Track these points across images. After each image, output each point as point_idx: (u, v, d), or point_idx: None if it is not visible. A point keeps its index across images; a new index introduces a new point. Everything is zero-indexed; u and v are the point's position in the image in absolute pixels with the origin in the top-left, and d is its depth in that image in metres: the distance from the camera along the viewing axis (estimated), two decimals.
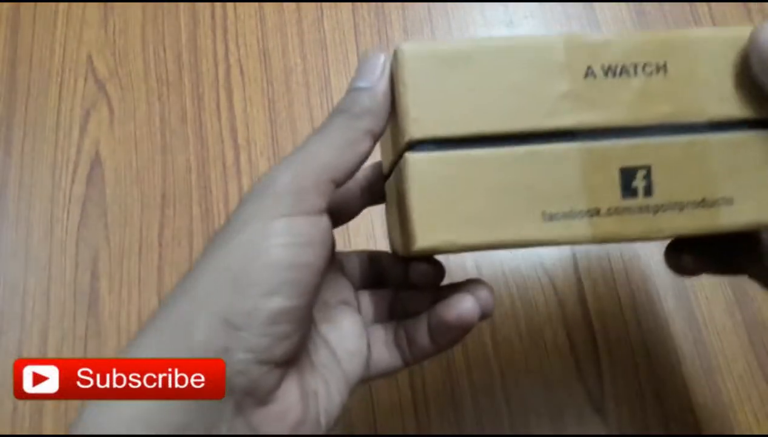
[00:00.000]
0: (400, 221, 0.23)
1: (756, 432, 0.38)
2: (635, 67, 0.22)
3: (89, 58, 0.50)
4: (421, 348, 0.26)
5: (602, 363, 0.40)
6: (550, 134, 0.22)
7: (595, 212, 0.22)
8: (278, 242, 0.20)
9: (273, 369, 0.20)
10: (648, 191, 0.22)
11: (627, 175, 0.22)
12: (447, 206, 0.21)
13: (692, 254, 0.29)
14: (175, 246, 0.44)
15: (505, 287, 0.42)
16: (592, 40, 0.22)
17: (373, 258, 0.29)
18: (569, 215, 0.22)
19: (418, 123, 0.21)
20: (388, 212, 0.28)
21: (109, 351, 0.41)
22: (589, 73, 0.22)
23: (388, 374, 0.27)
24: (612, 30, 0.49)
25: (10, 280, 0.43)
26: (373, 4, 0.50)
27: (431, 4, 0.50)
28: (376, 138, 0.23)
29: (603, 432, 0.38)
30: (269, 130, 0.47)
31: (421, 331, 0.26)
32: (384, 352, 0.27)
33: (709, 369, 0.40)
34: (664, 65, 0.22)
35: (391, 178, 0.25)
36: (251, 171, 0.46)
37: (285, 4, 0.51)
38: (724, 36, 0.23)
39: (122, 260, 0.43)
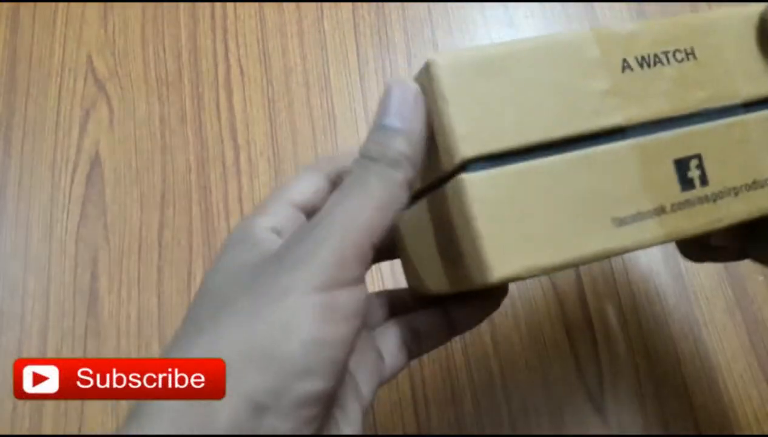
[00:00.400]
0: (448, 256, 0.22)
1: (756, 432, 0.38)
2: (666, 55, 0.22)
3: (89, 58, 0.50)
4: (434, 340, 0.26)
5: (602, 363, 0.40)
6: (600, 135, 0.21)
7: (661, 210, 0.21)
8: (316, 317, 0.18)
9: None
10: (704, 181, 0.21)
11: (681, 166, 0.21)
12: (516, 228, 0.20)
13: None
14: (174, 246, 0.44)
15: None
16: (620, 32, 0.21)
17: (393, 298, 0.29)
18: (638, 218, 0.20)
19: (467, 140, 0.20)
20: (408, 250, 0.26)
21: (108, 351, 0.41)
22: (625, 66, 0.21)
23: (395, 376, 0.26)
24: None
25: (9, 280, 0.43)
26: (373, 4, 0.50)
27: (431, 4, 0.50)
28: (412, 188, 0.21)
29: (603, 432, 0.38)
30: (269, 130, 0.47)
31: (435, 323, 0.26)
32: (396, 355, 0.26)
33: (709, 369, 0.40)
34: (692, 51, 0.22)
35: (417, 211, 0.24)
36: (251, 171, 0.45)
37: (285, 4, 0.51)
38: (744, 14, 0.22)
39: (122, 260, 0.43)
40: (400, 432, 0.39)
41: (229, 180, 0.45)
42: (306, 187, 0.24)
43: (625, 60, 0.21)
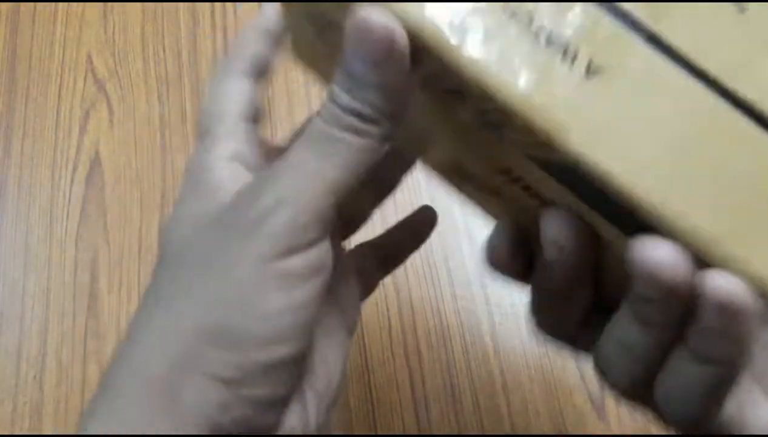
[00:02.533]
0: None
1: None
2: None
3: (89, 58, 0.50)
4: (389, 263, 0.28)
5: None
6: None
7: None
8: (271, 288, 0.17)
9: (276, 408, 0.19)
10: None
11: None
12: None
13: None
14: None
15: (505, 287, 0.42)
16: None
17: None
18: None
19: None
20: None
21: (109, 351, 0.41)
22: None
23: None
24: None
25: (9, 280, 0.43)
26: None
27: None
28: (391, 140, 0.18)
29: (603, 432, 0.38)
30: (268, 130, 0.47)
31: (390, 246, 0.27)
32: (372, 273, 0.27)
33: None
34: None
35: None
36: None
37: None
38: None
39: (122, 260, 0.43)
40: (400, 432, 0.39)
41: None
42: (238, 94, 0.21)
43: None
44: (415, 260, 0.42)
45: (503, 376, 0.40)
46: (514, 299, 0.42)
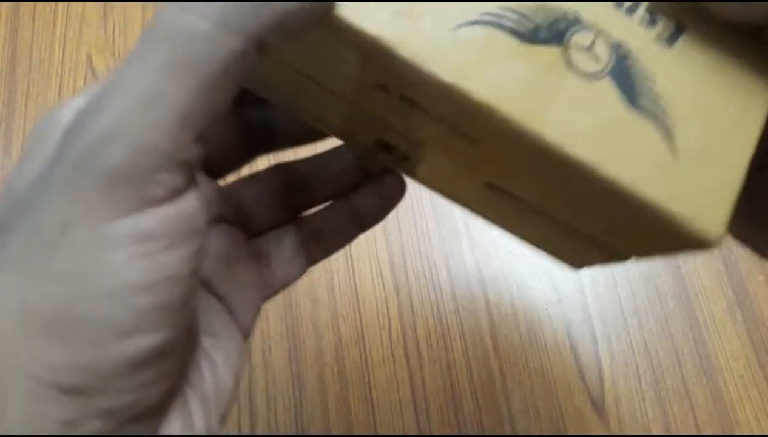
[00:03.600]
0: None
1: (756, 432, 0.38)
2: None
3: (89, 57, 0.50)
4: (340, 238, 0.22)
5: (602, 363, 0.40)
6: None
7: None
8: (124, 255, 0.12)
9: (146, 420, 0.14)
10: None
11: None
12: None
13: None
14: None
15: (505, 287, 0.42)
16: None
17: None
18: None
19: None
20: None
21: None
22: None
23: (288, 285, 0.22)
24: None
25: None
26: None
27: None
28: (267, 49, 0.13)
29: (603, 432, 0.38)
30: None
31: (339, 219, 0.22)
32: (290, 261, 0.22)
33: (709, 369, 0.40)
34: None
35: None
36: (250, 169, 0.45)
37: None
38: None
39: None
40: (400, 432, 0.39)
41: (229, 180, 0.45)
42: None
43: None
44: (415, 261, 0.42)
45: (503, 376, 0.40)
46: (514, 299, 0.42)
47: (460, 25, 0.14)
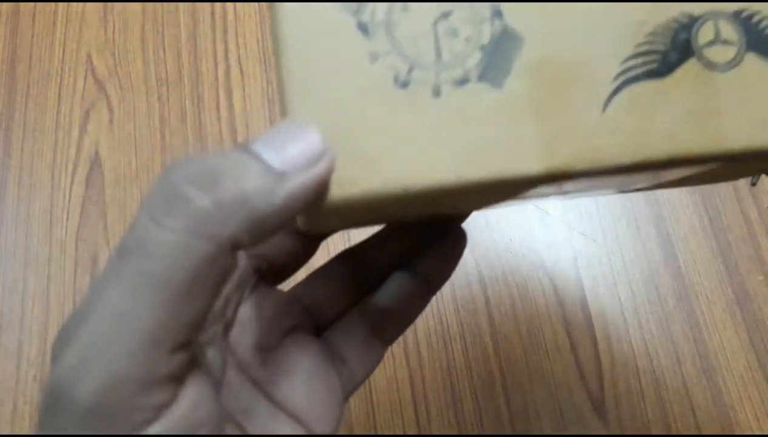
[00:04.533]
0: None
1: (756, 432, 0.38)
2: None
3: (89, 57, 0.50)
4: (412, 310, 0.21)
5: (602, 363, 0.40)
6: None
7: None
8: None
9: None
10: None
11: None
12: None
13: None
14: None
15: (505, 287, 0.42)
16: None
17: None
18: None
19: None
20: None
21: None
22: None
23: (370, 374, 0.21)
24: None
25: (9, 280, 0.43)
26: None
27: None
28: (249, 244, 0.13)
29: (603, 432, 0.38)
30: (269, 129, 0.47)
31: (407, 290, 0.21)
32: (365, 351, 0.21)
33: (709, 369, 0.40)
34: None
35: None
36: None
37: None
38: None
39: None
40: (400, 432, 0.39)
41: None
42: None
43: None
44: None
45: (503, 376, 0.40)
46: (514, 299, 0.42)
47: (606, 105, 0.14)
